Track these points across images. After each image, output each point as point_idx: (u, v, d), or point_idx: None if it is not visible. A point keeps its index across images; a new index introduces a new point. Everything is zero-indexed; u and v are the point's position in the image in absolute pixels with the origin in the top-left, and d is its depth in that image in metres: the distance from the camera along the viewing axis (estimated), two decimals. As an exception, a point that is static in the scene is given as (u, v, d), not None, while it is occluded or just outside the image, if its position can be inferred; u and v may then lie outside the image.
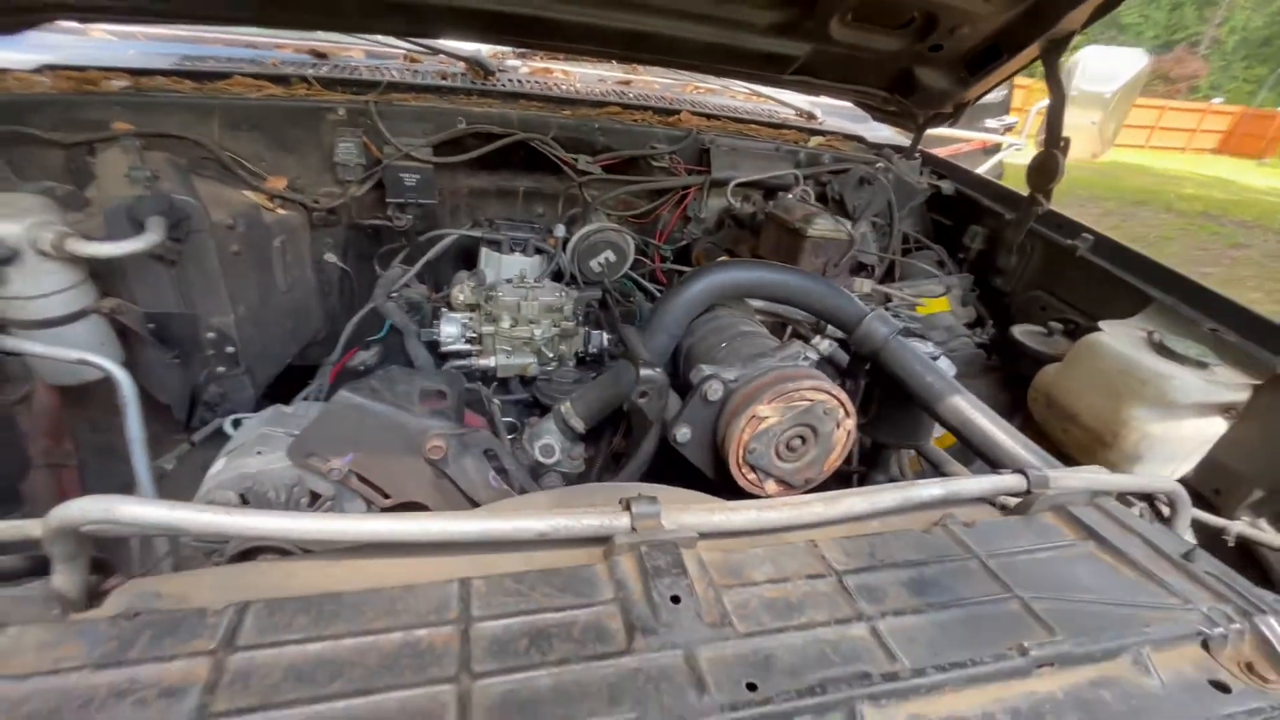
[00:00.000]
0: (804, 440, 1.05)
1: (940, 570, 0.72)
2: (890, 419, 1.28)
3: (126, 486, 1.62)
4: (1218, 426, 1.41)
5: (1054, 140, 1.81)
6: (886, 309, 1.71)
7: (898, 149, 2.36)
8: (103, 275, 1.40)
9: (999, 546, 0.77)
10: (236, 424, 1.53)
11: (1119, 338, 1.53)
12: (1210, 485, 1.42)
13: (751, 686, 0.56)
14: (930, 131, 2.49)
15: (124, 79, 1.65)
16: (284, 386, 1.82)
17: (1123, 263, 1.73)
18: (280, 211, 1.75)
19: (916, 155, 2.35)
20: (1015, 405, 1.84)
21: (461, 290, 1.66)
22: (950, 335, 1.92)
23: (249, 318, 1.63)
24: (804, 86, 2.12)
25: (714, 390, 1.03)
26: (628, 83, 2.30)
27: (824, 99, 2.32)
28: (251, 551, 0.83)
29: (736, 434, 1.01)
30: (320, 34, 2.06)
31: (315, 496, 0.92)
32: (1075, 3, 1.58)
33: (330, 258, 1.92)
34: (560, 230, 1.96)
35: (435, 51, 2.02)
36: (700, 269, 1.22)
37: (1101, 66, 2.64)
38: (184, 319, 1.48)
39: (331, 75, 1.84)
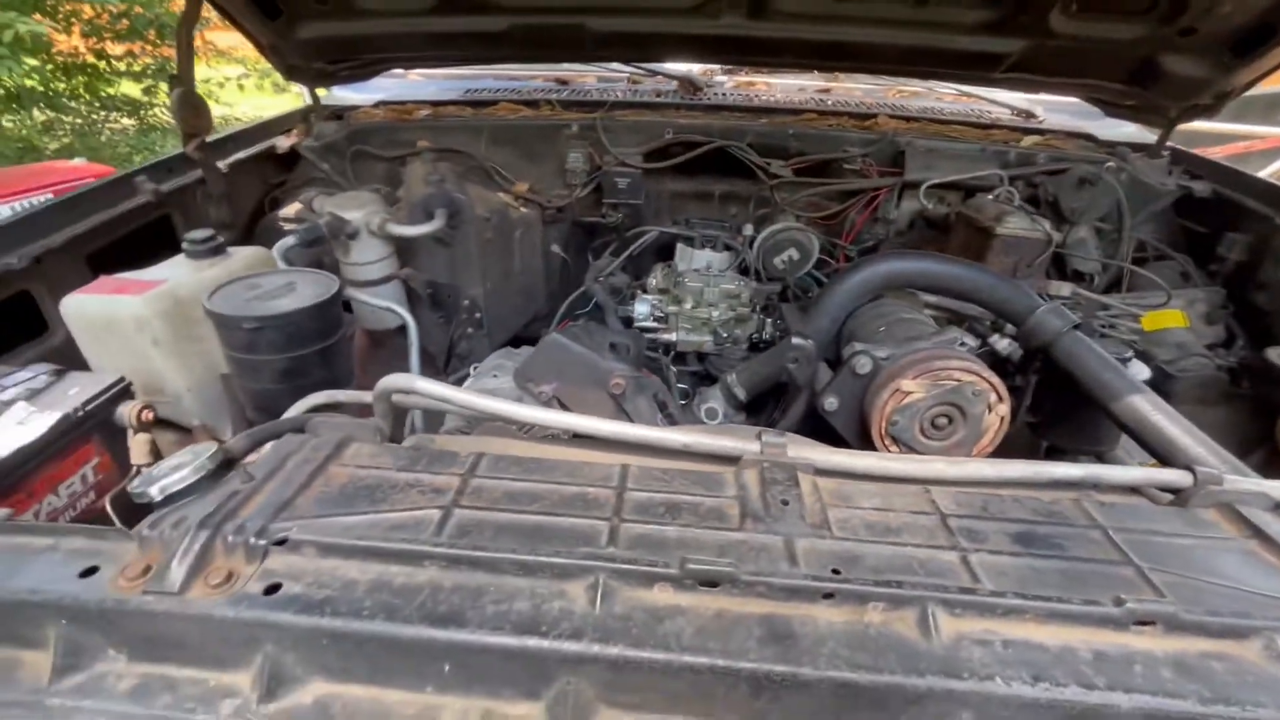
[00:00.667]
0: (950, 420, 1.09)
1: (1053, 530, 0.75)
2: (1066, 420, 1.23)
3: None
4: None
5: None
6: (1098, 319, 1.58)
7: (1138, 147, 2.11)
8: (400, 252, 1.92)
9: (1132, 524, 0.77)
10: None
11: None
12: None
13: (835, 571, 0.67)
14: (1199, 127, 2.18)
15: (427, 109, 2.21)
16: (511, 352, 2.26)
17: None
18: (522, 210, 2.18)
19: (1164, 154, 2.08)
20: (1263, 437, 1.56)
21: (655, 276, 1.92)
22: (1182, 353, 1.71)
23: (493, 292, 2.06)
24: (1019, 84, 2.03)
25: (862, 364, 1.12)
26: (827, 90, 2.39)
27: (1047, 95, 2.17)
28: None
29: (880, 405, 1.09)
30: (565, 65, 2.49)
31: (529, 413, 1.20)
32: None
33: (555, 249, 2.32)
34: (748, 229, 2.13)
35: (654, 74, 2.33)
36: (866, 259, 1.30)
37: None
38: (450, 288, 1.94)
39: (569, 98, 2.23)
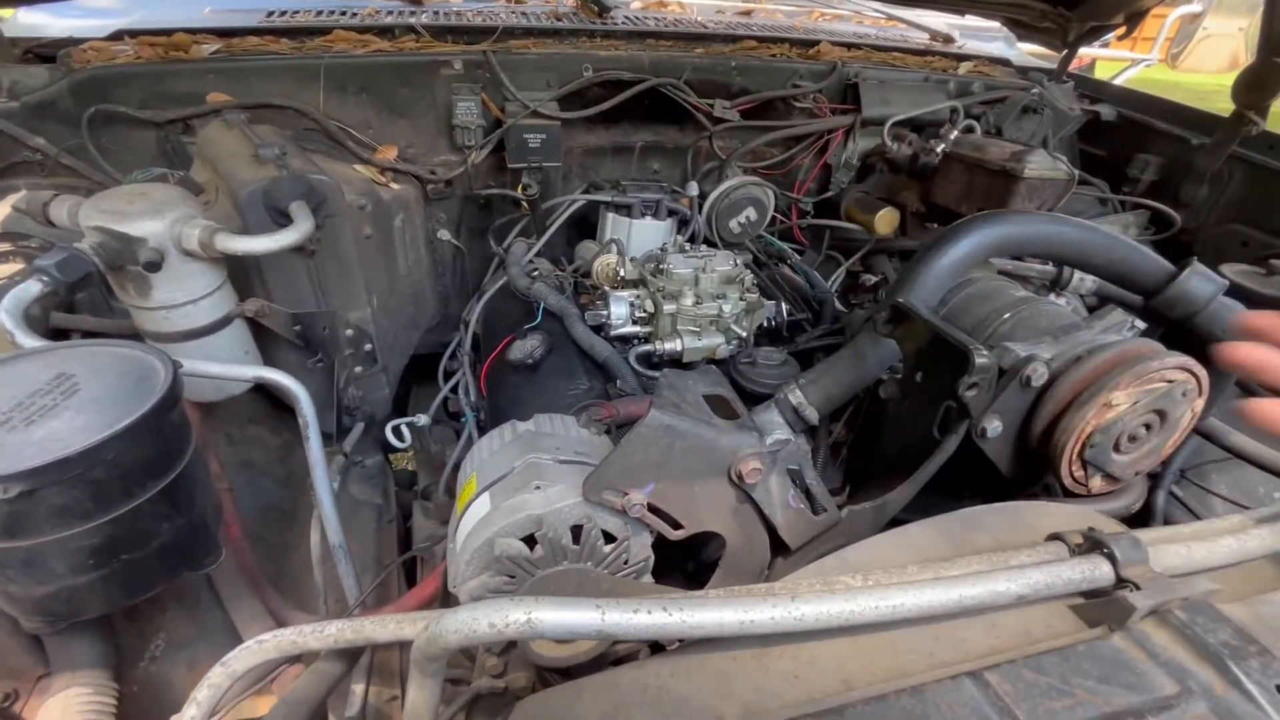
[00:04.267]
0: (1149, 428, 0.87)
1: None
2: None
3: (273, 506, 1.49)
4: None
5: (1275, 46, 1.56)
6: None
7: (1045, 72, 2.10)
8: (233, 274, 1.22)
9: None
10: (398, 432, 1.38)
11: (1392, 275, 1.32)
12: None
13: None
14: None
15: (213, 42, 1.43)
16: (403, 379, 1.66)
17: (1368, 186, 1.51)
18: (394, 186, 1.55)
19: (1066, 78, 2.09)
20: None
21: (617, 265, 1.47)
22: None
23: (381, 309, 1.45)
24: (955, 5, 1.86)
25: (1039, 374, 0.85)
26: (749, 12, 2.03)
27: (969, 20, 2.05)
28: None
29: (1078, 426, 0.83)
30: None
31: (609, 537, 0.76)
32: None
33: (444, 234, 1.73)
34: (694, 188, 1.75)
35: (543, -12, 1.77)
36: (961, 225, 1.02)
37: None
38: (325, 317, 1.30)
39: (437, 23, 1.60)
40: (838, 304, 1.60)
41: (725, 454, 0.75)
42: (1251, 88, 1.61)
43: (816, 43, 1.82)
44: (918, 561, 0.61)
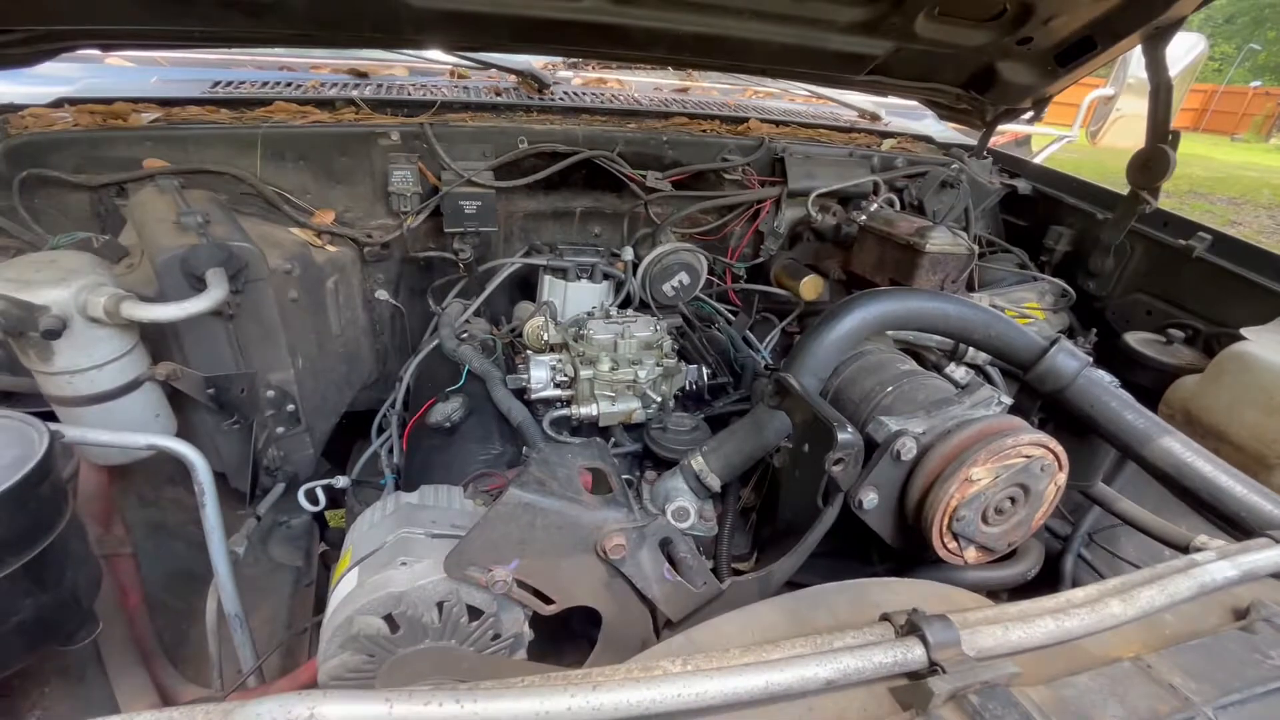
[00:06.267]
0: (1014, 501, 0.91)
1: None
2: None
3: (183, 570, 1.46)
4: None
5: (1161, 134, 1.69)
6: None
7: (966, 148, 2.23)
8: (150, 336, 1.23)
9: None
10: (312, 495, 1.37)
11: (1269, 347, 1.41)
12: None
13: None
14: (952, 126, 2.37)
15: (154, 110, 1.48)
16: (332, 435, 1.66)
17: (1249, 262, 1.61)
18: (330, 249, 1.59)
19: (986, 154, 2.23)
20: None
21: (543, 328, 1.51)
22: (1051, 346, 1.80)
23: (308, 369, 1.46)
24: (876, 87, 1.99)
25: (908, 449, 0.89)
26: (685, 90, 2.15)
27: (889, 98, 2.19)
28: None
29: (943, 500, 0.86)
30: (363, 51, 1.89)
31: (474, 612, 0.76)
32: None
33: (382, 295, 1.76)
34: (629, 253, 1.81)
35: (485, 66, 1.86)
36: (846, 303, 1.07)
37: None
38: (242, 379, 1.31)
39: (379, 97, 1.68)
40: (760, 368, 1.64)
41: (590, 530, 0.76)
42: (1142, 171, 1.73)
43: (745, 119, 1.93)
44: (759, 641, 0.62)
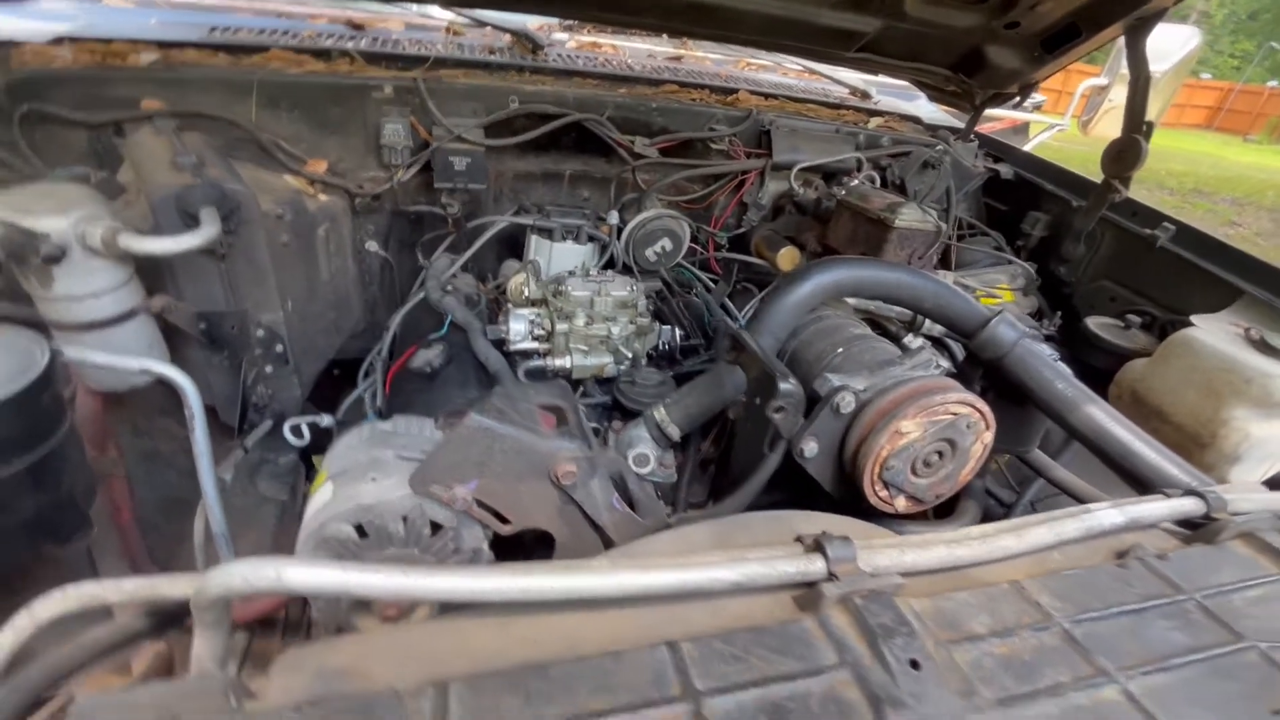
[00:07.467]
0: (941, 455, 0.99)
1: (1159, 616, 0.67)
2: (1000, 424, 1.21)
3: (174, 497, 1.54)
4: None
5: (1136, 125, 1.74)
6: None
7: (953, 130, 2.27)
8: (146, 271, 1.29)
9: (1204, 582, 0.72)
10: (297, 430, 1.44)
11: (1214, 334, 1.48)
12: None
13: (1029, 771, 0.50)
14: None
15: (153, 52, 1.51)
16: (321, 381, 1.72)
17: (1208, 254, 1.67)
18: (322, 198, 1.63)
19: (973, 138, 2.26)
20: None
21: (525, 284, 1.57)
22: (1017, 327, 1.86)
23: (296, 313, 1.52)
24: (865, 65, 2.02)
25: (846, 402, 0.96)
26: (679, 58, 2.17)
27: (879, 77, 2.22)
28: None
29: (875, 450, 0.94)
30: (361, 2, 1.91)
31: (436, 527, 0.84)
32: (1174, -22, 1.49)
33: (372, 246, 1.81)
34: (614, 217, 1.86)
35: (481, 24, 1.88)
36: (806, 268, 1.14)
37: (1154, 44, 2.56)
38: (234, 316, 1.37)
39: (374, 49, 1.71)
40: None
41: (544, 457, 0.84)
42: (1115, 160, 1.78)
43: (735, 90, 1.97)
44: (683, 552, 0.70)
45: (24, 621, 0.57)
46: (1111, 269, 1.90)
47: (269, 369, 1.49)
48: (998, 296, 1.77)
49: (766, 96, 2.01)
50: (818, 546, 0.66)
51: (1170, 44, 2.69)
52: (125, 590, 0.58)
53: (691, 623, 0.62)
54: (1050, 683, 0.57)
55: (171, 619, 0.66)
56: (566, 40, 2.12)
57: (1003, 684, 0.57)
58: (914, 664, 0.56)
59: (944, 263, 2.11)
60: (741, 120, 1.90)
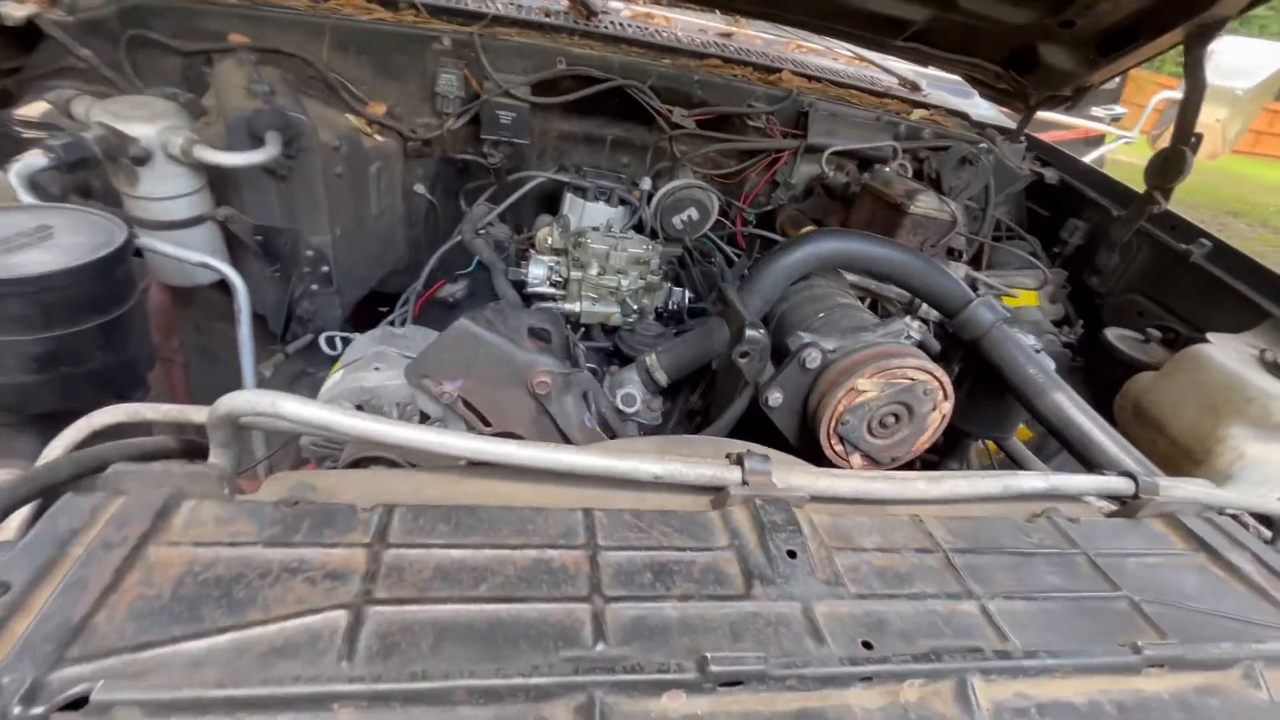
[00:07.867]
0: (897, 419, 1.04)
1: (1046, 561, 0.72)
2: (979, 408, 1.25)
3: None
4: (1323, 455, 1.34)
5: (1184, 136, 1.69)
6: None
7: (1002, 130, 2.24)
8: (216, 184, 1.46)
9: (1105, 545, 0.76)
10: (331, 342, 1.60)
11: (1227, 352, 1.46)
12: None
13: (867, 645, 0.57)
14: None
15: (243, -9, 1.68)
16: (364, 311, 1.88)
17: (1241, 274, 1.63)
18: (378, 138, 1.78)
19: (1022, 139, 2.23)
20: (1097, 410, 1.78)
21: (550, 234, 1.67)
22: (1036, 331, 1.86)
23: (344, 239, 1.68)
24: (914, 55, 2.03)
25: (812, 358, 1.03)
26: (729, 35, 2.22)
27: (930, 69, 2.21)
28: (364, 461, 0.88)
29: (832, 404, 1.01)
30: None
31: (425, 416, 0.96)
32: (1237, -16, 1.45)
33: (419, 189, 1.95)
34: (646, 183, 1.94)
35: (541, -15, 1.99)
36: (803, 236, 1.20)
37: (1239, 60, 2.44)
38: (287, 234, 1.53)
39: (437, 3, 1.83)
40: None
41: (523, 368, 0.94)
42: (1159, 171, 1.74)
43: (779, 70, 2.01)
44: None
45: (83, 424, 0.71)
46: (1143, 283, 1.87)
47: (314, 287, 1.65)
48: (1015, 295, 1.77)
49: (810, 79, 2.04)
50: (739, 461, 0.75)
51: (1260, 60, 2.56)
52: (162, 411, 0.72)
53: (615, 503, 0.71)
54: (914, 591, 0.64)
55: (196, 450, 0.81)
56: (621, 9, 2.20)
57: (870, 584, 0.64)
58: (791, 554, 0.64)
59: (975, 262, 2.11)
60: (780, 99, 1.95)
